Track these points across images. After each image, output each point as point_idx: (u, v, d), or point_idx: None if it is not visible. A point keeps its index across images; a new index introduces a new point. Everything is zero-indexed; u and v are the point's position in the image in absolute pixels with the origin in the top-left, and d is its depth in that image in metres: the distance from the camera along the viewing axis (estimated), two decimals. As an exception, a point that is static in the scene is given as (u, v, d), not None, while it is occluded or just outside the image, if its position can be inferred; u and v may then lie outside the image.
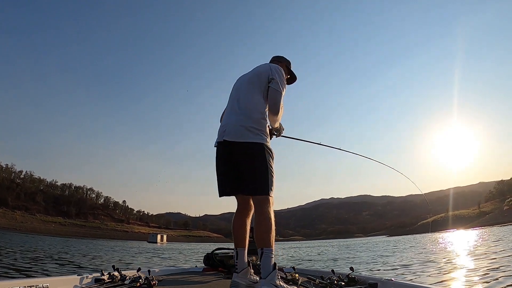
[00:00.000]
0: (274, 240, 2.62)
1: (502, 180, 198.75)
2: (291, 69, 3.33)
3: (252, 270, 2.90)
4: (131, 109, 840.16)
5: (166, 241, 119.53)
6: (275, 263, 2.53)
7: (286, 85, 3.11)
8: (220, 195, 2.92)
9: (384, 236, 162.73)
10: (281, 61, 3.25)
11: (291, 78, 3.35)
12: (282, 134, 3.33)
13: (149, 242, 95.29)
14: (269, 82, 2.89)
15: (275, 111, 2.86)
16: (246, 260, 2.85)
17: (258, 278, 2.80)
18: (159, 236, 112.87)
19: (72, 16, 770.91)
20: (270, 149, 2.81)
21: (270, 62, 3.27)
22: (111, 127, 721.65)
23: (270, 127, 3.07)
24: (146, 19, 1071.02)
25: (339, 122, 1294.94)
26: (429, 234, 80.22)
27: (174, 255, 20.54)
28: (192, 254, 22.21)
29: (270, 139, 3.04)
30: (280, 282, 2.50)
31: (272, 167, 2.77)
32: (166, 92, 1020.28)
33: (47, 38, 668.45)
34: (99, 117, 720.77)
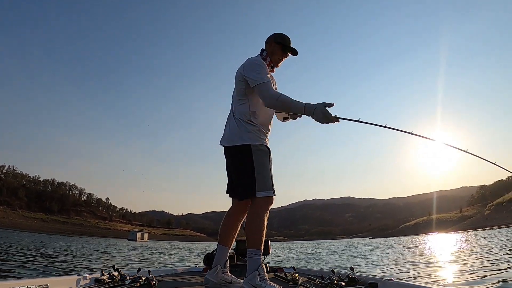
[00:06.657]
0: (262, 241, 2.56)
1: (484, 185, 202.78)
2: (282, 42, 2.92)
3: (227, 269, 2.87)
4: (118, 106, 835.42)
5: (148, 239, 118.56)
6: (260, 264, 2.50)
7: (292, 56, 2.97)
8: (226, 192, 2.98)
9: (367, 238, 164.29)
10: (267, 42, 2.97)
11: (291, 50, 2.94)
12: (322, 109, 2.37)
13: (129, 240, 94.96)
14: (249, 82, 2.69)
15: (269, 103, 2.58)
16: (225, 259, 2.84)
17: (234, 279, 2.83)
18: (138, 234, 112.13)
19: (61, 13, 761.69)
20: (260, 148, 2.70)
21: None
22: (97, 124, 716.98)
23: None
24: (136, 17, 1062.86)
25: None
26: (414, 236, 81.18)
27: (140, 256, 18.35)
28: (165, 255, 20.65)
29: (295, 118, 3.05)
30: (265, 282, 2.45)
31: (262, 166, 2.66)
32: (154, 90, 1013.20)
33: (37, 35, 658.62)
34: (85, 113, 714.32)
